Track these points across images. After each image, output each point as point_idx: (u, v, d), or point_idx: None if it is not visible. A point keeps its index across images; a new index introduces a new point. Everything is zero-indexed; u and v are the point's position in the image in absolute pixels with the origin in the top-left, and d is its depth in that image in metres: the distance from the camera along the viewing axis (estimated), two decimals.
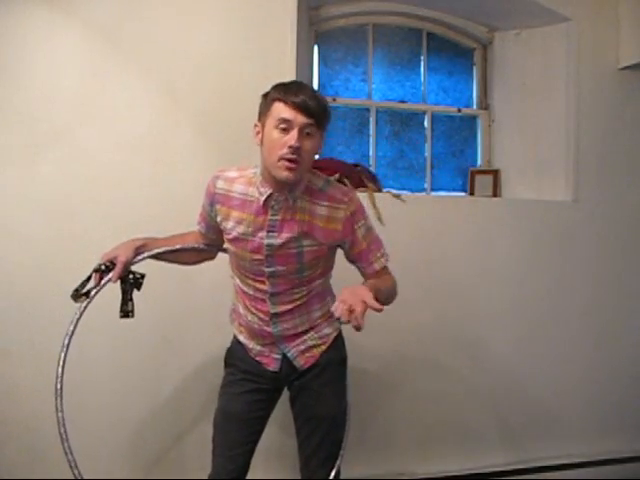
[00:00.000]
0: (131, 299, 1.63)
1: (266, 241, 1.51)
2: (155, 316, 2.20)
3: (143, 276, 1.65)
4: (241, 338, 1.69)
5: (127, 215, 2.22)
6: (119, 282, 1.61)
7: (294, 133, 1.39)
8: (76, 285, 1.59)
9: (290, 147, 1.39)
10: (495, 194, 2.97)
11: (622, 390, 2.86)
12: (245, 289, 1.61)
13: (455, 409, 2.63)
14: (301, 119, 1.39)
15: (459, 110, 3.08)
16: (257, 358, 1.66)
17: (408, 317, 2.55)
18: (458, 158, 3.11)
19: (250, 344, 1.66)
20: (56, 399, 1.52)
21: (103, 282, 1.58)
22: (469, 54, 3.13)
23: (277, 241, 1.51)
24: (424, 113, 3.03)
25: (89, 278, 1.60)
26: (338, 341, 1.69)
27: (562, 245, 2.79)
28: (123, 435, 2.23)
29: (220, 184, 1.56)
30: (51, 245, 2.16)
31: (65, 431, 1.52)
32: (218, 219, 1.59)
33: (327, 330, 1.65)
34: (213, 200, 1.58)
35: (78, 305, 1.58)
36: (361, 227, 1.56)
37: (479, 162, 3.11)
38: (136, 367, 2.23)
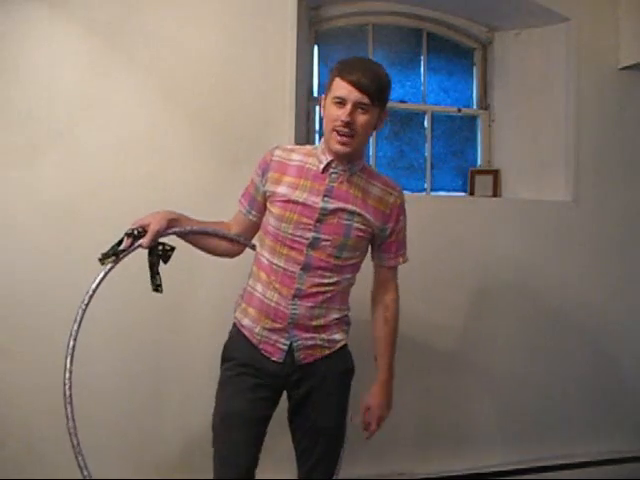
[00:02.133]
0: (158, 272, 1.58)
1: (321, 204, 1.54)
2: (157, 308, 2.21)
3: (173, 249, 1.60)
4: (245, 321, 1.62)
5: (127, 215, 2.19)
6: (147, 254, 1.58)
7: (347, 108, 1.48)
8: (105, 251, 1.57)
9: (342, 121, 1.48)
10: (495, 194, 2.97)
11: (622, 390, 2.86)
12: (275, 260, 1.57)
13: (455, 409, 2.63)
14: (354, 96, 1.47)
15: (459, 110, 3.08)
16: (260, 345, 1.58)
17: (408, 317, 2.55)
18: (458, 158, 3.11)
19: (256, 327, 1.59)
20: (65, 372, 1.49)
21: (133, 247, 1.55)
22: (469, 54, 3.13)
23: (331, 206, 1.54)
24: (424, 113, 3.03)
25: (120, 242, 1.56)
26: (344, 350, 1.66)
27: (562, 245, 2.79)
28: (122, 433, 2.23)
29: (278, 152, 1.63)
30: (51, 245, 2.16)
31: (74, 424, 1.52)
32: (266, 187, 1.60)
33: (337, 336, 1.63)
34: (267, 168, 1.61)
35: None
36: (403, 220, 1.67)
37: (479, 162, 3.11)
38: (138, 362, 2.23)
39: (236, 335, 1.65)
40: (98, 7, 2.21)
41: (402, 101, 3.00)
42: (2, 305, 2.13)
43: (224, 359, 1.66)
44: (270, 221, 1.60)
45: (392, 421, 2.52)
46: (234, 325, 1.67)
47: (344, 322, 1.66)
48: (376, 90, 1.50)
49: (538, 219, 2.77)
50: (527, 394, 2.73)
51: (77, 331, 1.50)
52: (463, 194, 3.04)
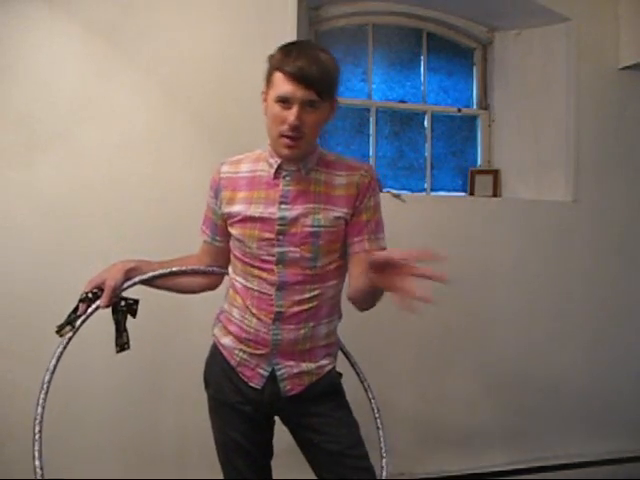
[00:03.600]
0: (125, 330, 1.47)
1: (278, 214, 1.36)
2: (155, 307, 2.21)
3: (137, 302, 1.48)
4: (225, 340, 1.47)
5: (127, 215, 2.23)
6: (110, 313, 1.46)
7: (294, 110, 1.28)
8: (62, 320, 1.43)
9: (289, 124, 1.29)
10: (495, 194, 2.97)
11: (622, 390, 2.86)
12: (248, 284, 1.41)
13: (455, 409, 2.63)
14: (301, 94, 1.27)
15: (459, 110, 3.08)
16: (239, 368, 1.44)
17: (408, 317, 2.55)
18: (458, 158, 3.11)
19: (235, 349, 1.44)
20: (34, 444, 1.29)
21: (90, 310, 1.42)
22: (469, 54, 3.13)
23: (291, 213, 1.36)
24: (424, 113, 3.03)
25: (75, 310, 1.43)
26: (331, 372, 1.49)
27: (562, 245, 2.79)
28: (118, 432, 2.23)
29: (225, 168, 1.46)
30: (51, 245, 2.16)
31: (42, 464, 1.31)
32: (222, 209, 1.45)
33: (324, 361, 1.46)
34: (219, 187, 1.45)
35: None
36: (371, 199, 1.41)
37: (479, 162, 3.11)
38: (134, 360, 2.23)
39: (214, 354, 1.52)
40: (98, 7, 2.21)
41: (402, 101, 3.00)
42: (2, 305, 2.13)
43: (206, 382, 1.54)
44: (235, 244, 1.44)
45: (392, 421, 2.54)
46: (213, 342, 1.54)
47: (332, 345, 1.50)
48: (324, 83, 1.29)
49: (538, 219, 2.77)
50: (527, 394, 2.73)
51: (41, 414, 1.35)
52: (463, 194, 3.04)
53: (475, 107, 3.12)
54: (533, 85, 2.94)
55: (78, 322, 1.41)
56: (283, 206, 1.37)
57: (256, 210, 1.38)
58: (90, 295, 1.42)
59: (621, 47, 2.86)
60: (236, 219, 1.41)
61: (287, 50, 1.32)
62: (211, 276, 1.57)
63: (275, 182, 1.39)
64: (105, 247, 2.21)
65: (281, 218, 1.36)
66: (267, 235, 1.37)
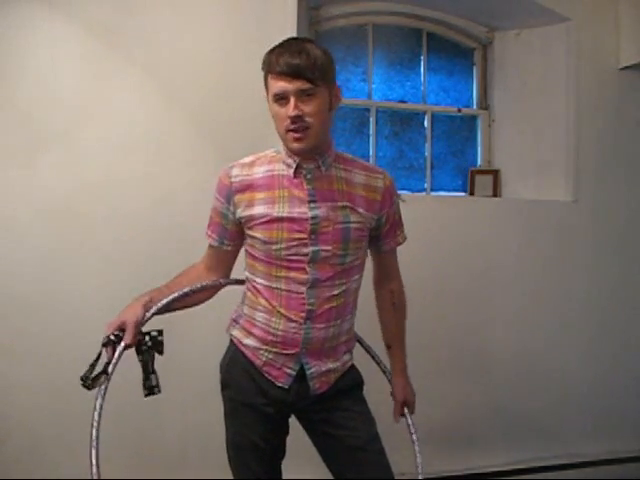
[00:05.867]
0: (154, 371, 1.41)
1: (310, 213, 1.36)
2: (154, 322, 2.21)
3: (161, 332, 1.43)
4: (248, 341, 1.45)
5: (127, 215, 2.23)
6: (135, 354, 1.41)
7: (291, 103, 1.29)
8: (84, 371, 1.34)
9: (290, 117, 1.30)
10: (495, 194, 2.97)
11: (622, 390, 2.86)
12: (273, 285, 1.40)
13: (455, 409, 2.63)
14: (292, 86, 1.28)
15: (459, 110, 3.08)
16: (264, 368, 1.43)
17: (408, 316, 2.55)
18: (458, 158, 3.11)
19: (260, 350, 1.43)
20: None
21: (118, 352, 1.36)
22: (469, 54, 3.13)
23: (322, 212, 1.36)
24: (424, 113, 3.03)
25: (98, 358, 1.36)
26: (352, 367, 1.54)
27: (562, 245, 2.79)
28: (120, 433, 2.23)
29: (236, 171, 1.42)
30: (51, 245, 2.17)
31: None
32: (238, 214, 1.42)
33: (346, 357, 1.50)
34: (230, 192, 1.41)
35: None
36: (396, 201, 1.51)
37: (479, 162, 3.11)
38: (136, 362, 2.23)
39: (235, 355, 1.49)
40: (98, 8, 2.21)
41: (402, 101, 3.00)
42: (2, 305, 2.13)
43: (224, 384, 1.52)
44: (257, 246, 1.41)
45: (392, 421, 2.54)
46: (232, 342, 1.51)
47: (350, 340, 1.54)
48: (313, 70, 1.29)
49: (538, 219, 2.77)
50: (527, 394, 2.73)
51: (97, 473, 1.29)
52: (463, 194, 3.04)
53: (475, 107, 3.12)
54: (533, 85, 2.94)
55: (110, 368, 1.35)
56: (312, 205, 1.37)
57: (282, 209, 1.37)
58: (113, 337, 1.37)
59: (621, 47, 2.86)
60: (259, 221, 1.39)
61: (272, 51, 1.34)
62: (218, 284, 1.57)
63: (297, 181, 1.39)
64: (105, 247, 2.21)
65: (313, 217, 1.36)
66: (298, 235, 1.36)
